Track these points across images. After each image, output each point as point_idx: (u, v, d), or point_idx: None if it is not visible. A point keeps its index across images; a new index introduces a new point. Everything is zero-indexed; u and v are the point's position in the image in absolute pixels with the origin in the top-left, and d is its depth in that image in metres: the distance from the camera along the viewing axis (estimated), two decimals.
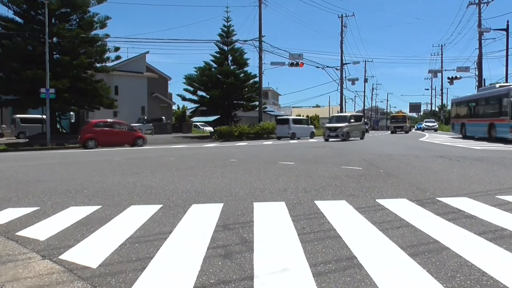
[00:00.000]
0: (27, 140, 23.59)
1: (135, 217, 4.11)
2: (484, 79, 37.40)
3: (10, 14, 24.85)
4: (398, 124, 41.03)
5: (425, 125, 50.29)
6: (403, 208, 4.32)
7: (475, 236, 3.25)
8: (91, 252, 2.99)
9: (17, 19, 24.18)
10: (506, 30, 30.22)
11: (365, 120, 40.90)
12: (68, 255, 2.93)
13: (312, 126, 32.90)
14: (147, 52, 39.37)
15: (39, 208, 4.67)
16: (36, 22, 23.53)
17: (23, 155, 15.53)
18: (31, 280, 2.49)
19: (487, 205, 4.43)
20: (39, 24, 22.96)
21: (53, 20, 23.81)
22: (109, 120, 22.71)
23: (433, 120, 55.30)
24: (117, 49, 25.90)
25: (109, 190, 5.88)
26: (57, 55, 24.45)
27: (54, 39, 23.83)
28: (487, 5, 35.57)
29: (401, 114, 47.69)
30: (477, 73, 37.99)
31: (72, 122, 36.56)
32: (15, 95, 23.44)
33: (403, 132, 38.68)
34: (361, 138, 25.27)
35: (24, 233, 3.61)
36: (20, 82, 22.05)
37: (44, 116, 22.52)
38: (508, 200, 4.70)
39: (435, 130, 46.73)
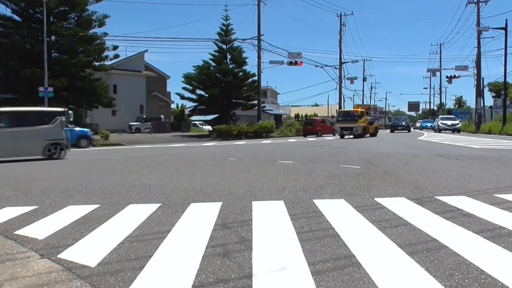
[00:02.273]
0: None
1: (133, 216, 4.11)
2: (483, 78, 37.52)
3: (8, 12, 24.77)
4: (347, 124, 24.75)
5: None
6: (401, 206, 4.33)
7: (473, 234, 3.26)
8: (89, 251, 2.99)
9: (15, 17, 24.13)
10: (505, 29, 30.24)
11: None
12: (67, 254, 2.93)
13: None
14: (146, 51, 39.35)
15: (37, 207, 4.67)
16: (35, 20, 23.47)
17: None
18: (30, 279, 2.48)
19: (486, 204, 4.44)
20: (38, 23, 22.91)
21: (51, 19, 23.76)
22: None
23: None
24: (115, 47, 25.89)
25: (108, 189, 5.87)
26: (56, 54, 24.41)
27: (53, 38, 23.79)
28: (485, 4, 35.59)
29: (358, 109, 28.47)
30: (475, 72, 38.03)
31: (71, 120, 36.52)
32: (13, 93, 23.40)
33: (360, 136, 24.29)
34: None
35: (22, 232, 3.60)
36: (18, 81, 22.01)
37: None
38: (506, 199, 4.71)
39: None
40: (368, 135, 25.96)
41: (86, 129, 21.58)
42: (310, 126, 32.46)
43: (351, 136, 24.72)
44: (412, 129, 42.65)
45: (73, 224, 3.82)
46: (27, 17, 23.83)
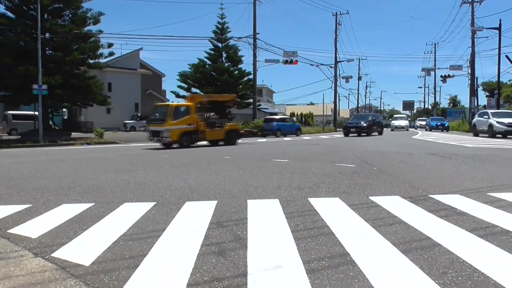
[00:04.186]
0: (19, 136, 23.37)
1: (128, 214, 4.09)
2: (477, 78, 37.73)
3: (1, 9, 24.54)
4: (156, 126, 15.78)
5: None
6: (396, 205, 4.35)
7: (467, 232, 3.28)
8: (84, 250, 2.98)
9: (9, 14, 23.87)
10: (499, 29, 30.46)
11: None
12: (61, 253, 2.91)
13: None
14: (141, 49, 39.13)
15: (31, 205, 4.64)
16: (28, 17, 23.26)
17: (15, 151, 15.38)
18: (23, 278, 2.47)
19: (479, 202, 4.47)
20: (31, 20, 22.71)
21: (45, 16, 23.55)
22: None
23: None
24: (110, 45, 25.71)
25: (102, 187, 5.85)
26: (50, 51, 24.21)
27: (47, 35, 23.58)
28: (480, 4, 35.80)
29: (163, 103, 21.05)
30: (469, 71, 38.27)
31: (65, 118, 36.31)
32: (7, 91, 23.18)
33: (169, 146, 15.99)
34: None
35: (16, 230, 3.58)
36: (12, 78, 21.80)
37: (37, 113, 22.32)
38: (499, 197, 4.74)
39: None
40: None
41: None
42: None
43: (343, 135, 24.67)
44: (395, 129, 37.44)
45: (67, 222, 3.80)
46: (21, 14, 23.61)
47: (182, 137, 15.62)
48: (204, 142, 17.05)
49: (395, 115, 52.22)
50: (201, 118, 16.62)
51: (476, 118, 23.38)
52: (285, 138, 25.19)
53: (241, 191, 5.33)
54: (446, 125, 36.12)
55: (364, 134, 25.54)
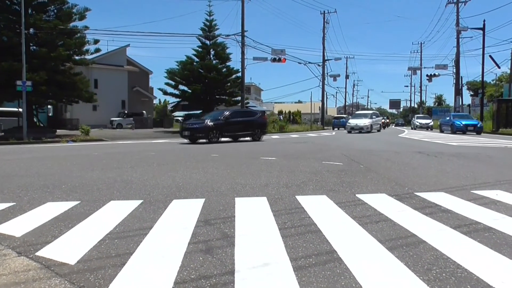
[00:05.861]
0: (2, 133, 22.88)
1: (114, 212, 4.05)
2: (462, 77, 38.41)
3: None
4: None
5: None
6: (382, 202, 4.40)
7: (451, 230, 3.34)
8: (69, 249, 2.94)
9: None
10: (483, 29, 31.00)
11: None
12: (45, 252, 2.87)
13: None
14: (128, 45, 38.74)
15: (15, 203, 4.55)
16: (11, 12, 22.79)
17: None
18: (6, 277, 2.42)
19: (463, 200, 4.56)
20: (15, 14, 22.25)
21: (29, 11, 23.10)
22: None
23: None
24: (96, 41, 25.36)
25: (88, 185, 5.77)
26: (34, 47, 23.76)
27: (31, 30, 23.13)
28: (464, 4, 36.48)
29: None
30: (454, 71, 38.87)
31: (50, 115, 35.73)
32: None
33: None
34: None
35: None
36: None
37: (20, 109, 21.91)
38: (482, 195, 4.84)
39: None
40: None
41: None
42: None
43: (333, 133, 24.76)
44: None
45: (52, 221, 3.75)
46: (4, 9, 23.09)
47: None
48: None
49: (357, 112, 40.84)
50: None
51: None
52: (273, 136, 25.24)
53: (229, 189, 5.33)
54: (479, 126, 26.41)
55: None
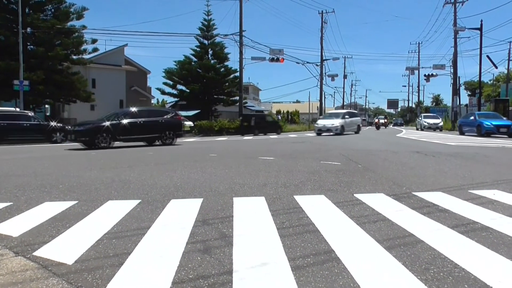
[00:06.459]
0: None
1: (112, 212, 4.04)
2: (459, 77, 38.47)
3: None
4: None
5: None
6: (380, 202, 4.40)
7: (449, 229, 3.35)
8: (66, 248, 2.93)
9: None
10: (480, 29, 31.09)
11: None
12: (43, 252, 2.86)
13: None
14: (126, 45, 38.54)
15: (12, 203, 4.54)
16: (9, 11, 22.75)
17: None
18: (3, 277, 2.42)
19: (460, 199, 4.57)
20: (12, 14, 22.22)
21: (27, 10, 23.06)
22: None
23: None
24: (94, 41, 25.38)
25: (86, 185, 5.76)
26: (32, 46, 23.73)
27: (28, 30, 23.10)
28: (462, 5, 36.50)
29: None
30: (452, 71, 38.98)
31: (48, 115, 35.62)
32: None
33: None
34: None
35: None
36: None
37: (18, 109, 21.84)
38: (480, 195, 4.85)
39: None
40: None
41: None
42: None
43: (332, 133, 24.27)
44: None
45: (50, 220, 3.74)
46: (1, 8, 23.03)
47: None
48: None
49: (328, 112, 36.81)
50: None
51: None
52: (272, 136, 25.25)
53: (227, 189, 5.32)
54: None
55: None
